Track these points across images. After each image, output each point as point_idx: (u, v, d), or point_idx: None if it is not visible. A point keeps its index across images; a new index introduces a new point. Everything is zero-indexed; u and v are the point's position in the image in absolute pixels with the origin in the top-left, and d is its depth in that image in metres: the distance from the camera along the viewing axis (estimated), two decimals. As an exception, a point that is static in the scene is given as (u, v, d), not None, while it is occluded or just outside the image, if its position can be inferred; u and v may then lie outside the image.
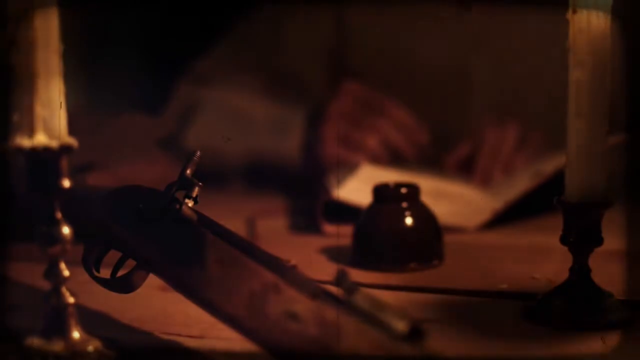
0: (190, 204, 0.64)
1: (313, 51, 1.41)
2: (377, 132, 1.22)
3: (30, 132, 0.56)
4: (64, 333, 0.59)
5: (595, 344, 0.66)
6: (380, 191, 0.90)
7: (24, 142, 0.57)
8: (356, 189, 1.04)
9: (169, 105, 1.38)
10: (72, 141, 0.58)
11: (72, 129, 0.58)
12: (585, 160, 0.68)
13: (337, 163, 1.20)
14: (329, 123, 1.23)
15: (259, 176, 1.28)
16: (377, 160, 1.20)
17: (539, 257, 0.88)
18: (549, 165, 1.04)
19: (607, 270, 0.73)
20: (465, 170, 1.22)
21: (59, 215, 0.59)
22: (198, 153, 0.66)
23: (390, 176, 1.08)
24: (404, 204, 0.88)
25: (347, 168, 1.14)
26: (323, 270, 0.64)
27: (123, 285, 0.68)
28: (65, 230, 0.59)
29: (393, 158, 1.22)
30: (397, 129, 1.23)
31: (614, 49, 0.67)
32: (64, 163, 0.58)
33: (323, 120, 1.24)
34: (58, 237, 0.59)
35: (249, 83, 1.35)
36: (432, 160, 1.25)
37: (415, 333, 0.51)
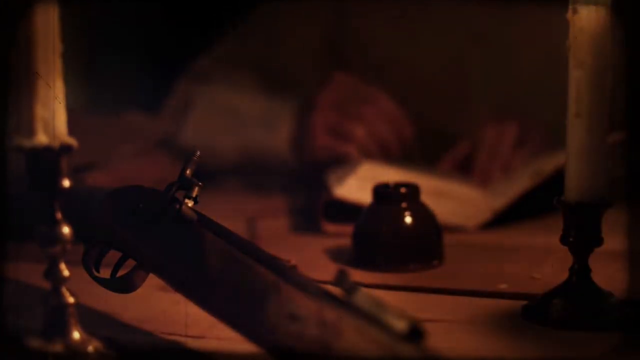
0: (190, 204, 0.64)
1: (312, 50, 1.41)
2: (364, 122, 1.21)
3: (30, 132, 0.56)
4: (64, 333, 0.59)
5: (595, 344, 0.66)
6: (380, 191, 0.90)
7: (24, 142, 0.57)
8: (356, 187, 1.04)
9: (166, 105, 1.38)
10: (72, 141, 0.58)
11: (72, 129, 0.58)
12: (585, 160, 0.68)
13: (327, 154, 1.20)
14: (317, 113, 1.23)
15: (253, 173, 1.28)
16: (366, 151, 1.20)
17: (539, 257, 0.88)
18: (549, 165, 1.04)
19: (607, 270, 0.73)
20: (464, 169, 1.22)
21: (59, 215, 0.59)
22: (198, 153, 0.66)
23: (390, 174, 1.08)
24: (404, 204, 0.88)
25: (347, 166, 1.14)
26: (323, 270, 0.64)
27: (123, 285, 0.68)
28: (65, 230, 0.59)
29: (380, 151, 1.21)
30: (384, 120, 1.23)
31: (614, 49, 0.67)
32: (64, 163, 0.58)
33: (312, 110, 1.24)
34: (58, 237, 0.59)
35: (245, 81, 1.35)
36: (416, 155, 1.25)
37: (415, 333, 0.51)
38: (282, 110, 1.28)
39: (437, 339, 0.53)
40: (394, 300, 0.74)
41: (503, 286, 0.79)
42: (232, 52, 1.42)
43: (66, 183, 0.58)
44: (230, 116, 1.31)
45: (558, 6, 0.69)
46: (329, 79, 1.26)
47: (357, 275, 0.78)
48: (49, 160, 0.57)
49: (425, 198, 0.90)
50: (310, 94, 1.26)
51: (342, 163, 1.17)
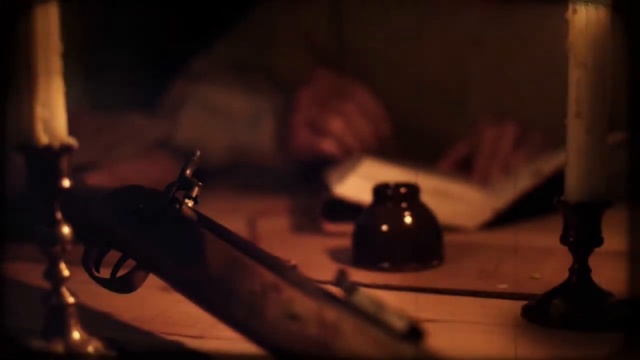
0: (190, 204, 0.64)
1: (306, 53, 1.41)
2: (341, 116, 1.21)
3: (30, 132, 0.56)
4: (64, 333, 0.59)
5: (595, 344, 0.66)
6: (380, 191, 0.90)
7: (24, 142, 0.57)
8: (357, 185, 1.04)
9: (160, 105, 1.39)
10: (72, 141, 0.58)
11: (72, 129, 0.58)
12: (585, 160, 0.68)
13: (307, 150, 1.21)
14: (298, 111, 1.23)
15: (242, 172, 1.29)
16: (343, 145, 1.20)
17: (539, 257, 0.88)
18: (549, 165, 1.04)
19: (607, 270, 0.73)
20: (464, 169, 1.22)
21: (59, 215, 0.59)
22: (198, 153, 0.66)
23: (390, 172, 1.08)
24: (404, 204, 0.88)
25: (347, 163, 1.14)
26: (323, 270, 0.64)
27: (123, 285, 0.68)
28: (65, 230, 0.59)
29: (358, 145, 1.21)
30: (362, 115, 1.23)
31: (614, 49, 0.67)
32: (64, 163, 0.58)
33: (293, 109, 1.24)
34: (58, 237, 0.59)
35: (235, 81, 1.35)
36: (394, 152, 1.25)
37: (415, 333, 0.51)
38: (269, 109, 1.28)
39: (437, 339, 0.53)
40: (394, 300, 0.74)
41: (503, 286, 0.79)
42: (225, 53, 1.42)
43: (66, 183, 0.58)
44: (220, 116, 1.31)
45: (557, 7, 0.69)
46: (310, 76, 1.27)
47: (357, 275, 0.78)
48: (49, 160, 0.57)
49: (425, 198, 0.90)
50: (294, 93, 1.26)
51: (324, 160, 1.17)
